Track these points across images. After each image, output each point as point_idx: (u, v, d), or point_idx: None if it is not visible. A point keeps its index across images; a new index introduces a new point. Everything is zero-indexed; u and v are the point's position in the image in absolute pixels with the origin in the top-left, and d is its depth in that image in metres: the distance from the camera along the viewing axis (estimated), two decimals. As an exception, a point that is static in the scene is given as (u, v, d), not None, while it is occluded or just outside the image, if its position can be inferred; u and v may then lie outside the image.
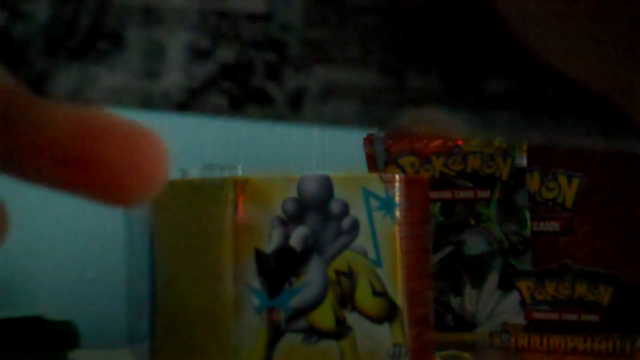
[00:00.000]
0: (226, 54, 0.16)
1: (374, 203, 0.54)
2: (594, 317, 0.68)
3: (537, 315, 0.70)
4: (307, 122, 0.16)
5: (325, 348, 0.53)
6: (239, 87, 0.16)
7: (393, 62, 0.15)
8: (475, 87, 0.15)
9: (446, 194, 0.73)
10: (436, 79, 0.15)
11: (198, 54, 0.16)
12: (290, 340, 0.53)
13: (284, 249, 0.53)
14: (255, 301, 0.53)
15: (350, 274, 0.54)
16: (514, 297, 0.71)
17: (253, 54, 0.16)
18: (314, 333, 0.53)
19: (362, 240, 0.54)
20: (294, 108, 0.16)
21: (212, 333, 0.53)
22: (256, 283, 0.53)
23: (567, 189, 0.71)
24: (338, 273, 0.54)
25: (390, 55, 0.15)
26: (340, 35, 0.15)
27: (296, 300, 0.53)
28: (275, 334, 0.53)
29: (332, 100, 0.16)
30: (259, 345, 0.53)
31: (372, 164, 0.76)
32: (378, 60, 0.15)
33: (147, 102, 0.16)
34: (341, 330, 0.54)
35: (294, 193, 0.53)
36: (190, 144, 0.93)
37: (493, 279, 0.72)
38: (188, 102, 0.16)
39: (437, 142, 0.73)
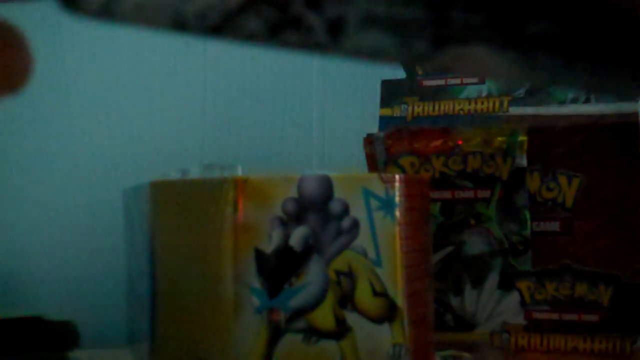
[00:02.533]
0: None
1: (374, 203, 0.54)
2: (594, 317, 0.68)
3: (537, 315, 0.70)
4: (346, 54, 0.15)
5: (325, 348, 0.53)
6: (277, 13, 0.15)
7: None
8: (520, 26, 0.15)
9: (446, 194, 0.73)
10: (480, 16, 0.15)
11: None
12: (290, 340, 0.53)
13: (284, 249, 0.53)
14: (255, 301, 0.53)
15: (350, 274, 0.54)
16: (514, 297, 0.71)
17: None
18: (314, 333, 0.53)
19: (362, 240, 0.54)
20: (333, 37, 0.15)
21: (212, 333, 0.53)
22: (256, 283, 0.53)
23: (567, 189, 0.71)
24: (338, 273, 0.54)
25: None
26: None
27: (296, 300, 0.53)
28: (275, 334, 0.53)
29: (372, 32, 0.15)
30: (259, 345, 0.53)
31: (372, 164, 0.76)
32: None
33: (180, 23, 0.15)
34: (341, 330, 0.54)
35: (294, 193, 0.53)
36: (190, 144, 0.93)
37: (493, 279, 0.72)
38: (223, 25, 0.15)
39: (437, 142, 0.73)
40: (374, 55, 0.15)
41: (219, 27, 0.15)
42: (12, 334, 0.69)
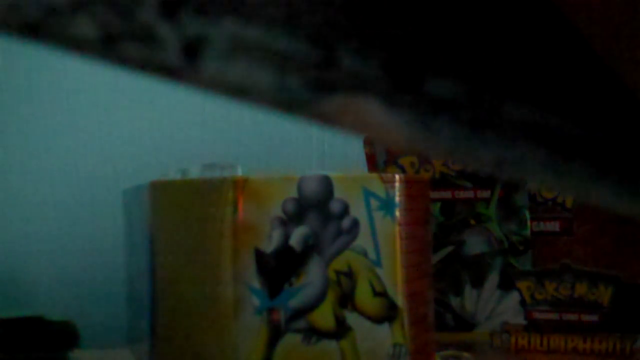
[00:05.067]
0: None
1: (374, 203, 0.54)
2: (594, 317, 0.68)
3: (537, 315, 0.70)
4: (204, 84, 0.12)
5: (325, 348, 0.53)
6: (119, 18, 0.11)
7: (326, 32, 0.11)
8: (422, 83, 0.12)
9: (446, 194, 0.73)
10: (374, 62, 0.12)
11: None
12: (290, 340, 0.53)
13: (284, 249, 0.53)
14: (255, 301, 0.53)
15: (350, 274, 0.54)
16: (514, 297, 0.71)
17: None
18: (314, 333, 0.53)
19: (362, 240, 0.54)
20: (190, 60, 0.12)
21: (212, 333, 0.53)
22: (256, 283, 0.53)
23: (567, 189, 0.71)
24: (338, 273, 0.54)
25: (323, 23, 0.11)
26: None
27: (296, 300, 0.53)
28: (275, 334, 0.53)
29: (241, 62, 0.12)
30: (259, 345, 0.53)
31: (372, 164, 0.76)
32: (307, 25, 0.11)
33: None
34: (341, 330, 0.54)
35: (294, 193, 0.53)
36: (190, 144, 0.93)
37: (493, 279, 0.72)
38: (43, 23, 0.11)
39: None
40: (239, 92, 0.12)
41: (37, 26, 0.11)
42: (12, 334, 0.69)
